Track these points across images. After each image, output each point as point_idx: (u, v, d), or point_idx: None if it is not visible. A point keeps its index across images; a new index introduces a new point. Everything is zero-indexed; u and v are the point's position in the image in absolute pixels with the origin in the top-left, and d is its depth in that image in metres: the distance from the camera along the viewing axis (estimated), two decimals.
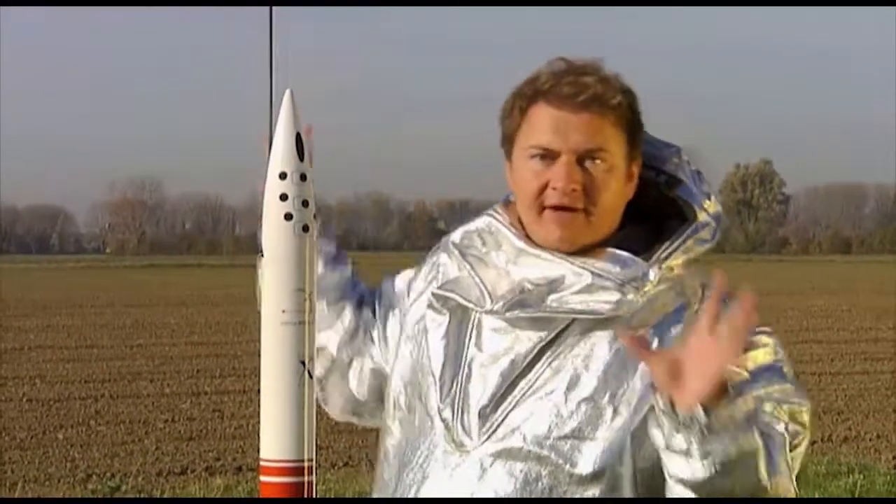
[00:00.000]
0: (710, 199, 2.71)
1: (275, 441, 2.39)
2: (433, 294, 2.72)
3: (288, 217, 2.35)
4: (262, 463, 2.42)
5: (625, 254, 2.59)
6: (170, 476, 11.96)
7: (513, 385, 2.59)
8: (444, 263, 2.74)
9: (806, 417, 2.59)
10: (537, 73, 2.64)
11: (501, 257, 2.66)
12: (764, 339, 2.58)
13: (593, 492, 2.52)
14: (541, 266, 2.61)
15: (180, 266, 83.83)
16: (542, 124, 2.60)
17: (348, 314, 2.89)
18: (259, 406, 2.43)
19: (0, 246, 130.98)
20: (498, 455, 2.56)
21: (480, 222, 2.72)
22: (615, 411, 2.53)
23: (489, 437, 2.57)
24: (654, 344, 2.52)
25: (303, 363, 2.38)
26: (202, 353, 23.53)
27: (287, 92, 2.38)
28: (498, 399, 2.59)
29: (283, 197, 2.35)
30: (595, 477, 2.52)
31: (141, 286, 53.29)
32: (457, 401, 2.62)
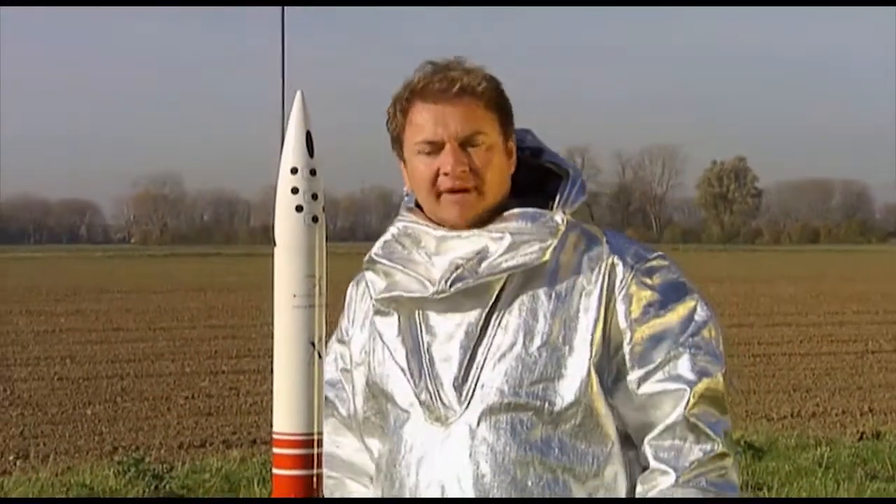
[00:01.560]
0: (565, 159, 2.83)
1: (286, 415, 2.39)
2: (377, 301, 2.74)
3: (299, 209, 2.35)
4: (274, 436, 2.42)
5: (532, 210, 2.68)
6: (190, 448, 11.97)
7: (474, 353, 2.65)
8: (372, 280, 2.76)
9: (702, 311, 2.70)
10: (410, 78, 2.70)
11: (423, 253, 2.71)
12: (660, 260, 2.72)
13: (573, 422, 2.61)
14: (463, 245, 2.67)
15: (199, 255, 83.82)
16: (423, 120, 2.67)
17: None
18: (272, 384, 2.43)
19: (33, 237, 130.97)
20: (482, 415, 2.62)
21: (393, 230, 2.76)
22: (571, 348, 2.63)
23: (469, 403, 2.63)
24: (586, 274, 2.66)
25: (312, 344, 2.38)
26: (219, 335, 23.54)
27: (298, 93, 2.38)
28: (465, 368, 2.64)
29: (294, 190, 2.35)
30: (571, 408, 2.61)
31: (163, 274, 53.32)
32: (429, 383, 2.66)
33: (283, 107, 2.40)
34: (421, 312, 2.70)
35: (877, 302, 33.21)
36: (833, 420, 13.80)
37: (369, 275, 2.77)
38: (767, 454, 11.01)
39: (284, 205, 2.36)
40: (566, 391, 2.61)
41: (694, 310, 2.67)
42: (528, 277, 2.65)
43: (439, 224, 2.70)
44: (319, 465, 2.41)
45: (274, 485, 2.43)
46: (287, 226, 2.36)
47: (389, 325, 2.74)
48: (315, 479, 2.41)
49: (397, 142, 2.74)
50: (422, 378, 2.67)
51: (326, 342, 2.45)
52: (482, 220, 2.67)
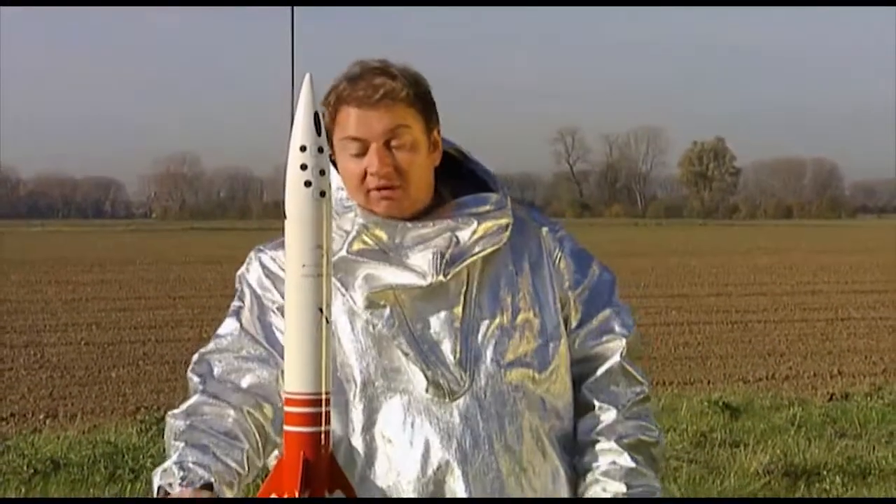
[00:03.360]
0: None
1: (296, 376, 2.39)
2: (372, 294, 2.65)
3: (307, 184, 2.35)
4: (285, 395, 2.42)
5: (483, 194, 2.73)
6: None
7: (463, 332, 2.65)
8: (358, 273, 2.67)
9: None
10: (337, 81, 2.68)
11: (393, 243, 2.66)
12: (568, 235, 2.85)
13: (554, 382, 2.70)
14: (429, 232, 2.67)
15: (215, 229, 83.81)
16: (349, 123, 2.65)
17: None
18: (283, 349, 2.43)
19: (61, 212, 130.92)
20: (485, 386, 2.64)
21: (357, 227, 2.67)
22: (541, 316, 2.71)
23: (472, 377, 2.64)
24: (532, 245, 2.75)
25: (320, 310, 2.38)
26: None
27: (307, 75, 2.37)
28: (462, 346, 2.65)
29: (304, 167, 2.35)
30: (553, 372, 2.70)
31: (182, 247, 53.31)
32: (433, 364, 2.64)
33: (292, 89, 2.39)
34: (402, 302, 2.65)
35: (846, 273, 33.22)
36: (805, 382, 13.82)
37: (342, 276, 2.67)
38: (744, 414, 11.03)
39: (294, 180, 2.35)
40: (551, 353, 2.69)
41: (603, 271, 2.81)
42: (491, 254, 2.69)
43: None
44: (328, 423, 2.41)
45: (285, 440, 2.43)
46: (297, 200, 2.36)
47: (380, 317, 2.66)
48: (323, 435, 2.41)
49: (328, 139, 2.67)
50: (427, 360, 2.64)
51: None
52: (419, 212, 2.69)
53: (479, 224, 2.67)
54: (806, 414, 10.96)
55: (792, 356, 16.04)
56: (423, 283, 2.63)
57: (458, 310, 2.65)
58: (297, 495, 2.35)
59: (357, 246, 2.68)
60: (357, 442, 2.67)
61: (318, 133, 2.35)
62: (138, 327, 19.35)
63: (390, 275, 2.66)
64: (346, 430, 2.67)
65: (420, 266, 2.64)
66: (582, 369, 2.76)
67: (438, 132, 2.73)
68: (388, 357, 2.66)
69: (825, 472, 8.40)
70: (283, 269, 2.58)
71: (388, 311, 2.67)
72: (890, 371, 14.67)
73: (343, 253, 2.67)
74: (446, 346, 2.65)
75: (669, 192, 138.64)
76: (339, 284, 2.66)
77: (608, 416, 2.72)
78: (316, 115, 2.35)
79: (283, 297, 2.52)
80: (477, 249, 2.66)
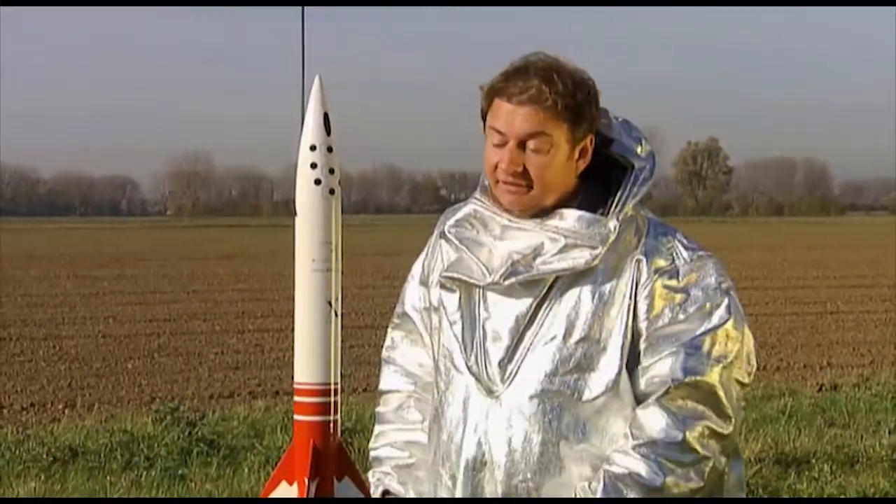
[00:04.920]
0: (641, 143, 2.75)
1: (306, 368, 2.39)
2: (442, 276, 2.73)
3: (317, 182, 2.35)
4: (295, 386, 2.42)
5: (588, 214, 2.63)
6: (220, 399, 11.97)
7: (521, 338, 2.63)
8: (447, 251, 2.74)
9: (734, 331, 2.64)
10: (501, 72, 2.66)
11: (489, 236, 2.69)
12: (699, 261, 2.70)
13: (596, 407, 2.59)
14: (523, 237, 2.65)
15: (227, 226, 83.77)
16: (498, 113, 2.64)
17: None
18: (293, 341, 2.43)
19: (79, 210, 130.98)
20: (519, 396, 2.61)
21: (468, 209, 2.74)
22: (604, 348, 2.60)
23: (510, 383, 2.62)
24: (625, 277, 2.61)
25: (329, 303, 2.38)
26: (246, 297, 23.54)
27: (316, 77, 2.37)
28: (511, 351, 2.63)
29: (314, 165, 2.35)
30: (597, 398, 2.60)
31: (195, 243, 53.30)
32: (479, 357, 2.65)
33: (302, 91, 2.39)
34: (481, 291, 2.67)
35: (834, 268, 33.19)
36: (795, 373, 13.80)
37: (444, 246, 2.75)
38: None
39: (304, 178, 2.35)
40: (595, 384, 2.60)
41: (714, 313, 2.61)
42: (576, 276, 2.62)
43: (504, 209, 2.68)
44: (336, 412, 2.41)
45: (295, 430, 2.43)
46: (307, 197, 2.36)
47: (451, 300, 2.71)
48: (332, 424, 2.41)
49: (483, 118, 2.71)
50: (473, 350, 2.66)
51: (345, 306, 2.45)
52: (540, 212, 2.65)
53: (565, 243, 2.61)
54: (796, 404, 10.94)
55: (783, 348, 16.02)
56: (483, 282, 2.64)
57: (526, 318, 2.63)
58: (306, 482, 2.36)
59: (458, 226, 2.72)
60: (436, 403, 2.74)
61: (328, 133, 2.35)
62: (153, 320, 19.35)
63: (465, 264, 2.68)
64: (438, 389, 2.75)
65: (493, 264, 2.65)
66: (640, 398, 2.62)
67: (591, 141, 2.68)
68: (447, 339, 2.71)
69: (814, 460, 8.38)
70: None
71: (457, 295, 2.70)
72: (877, 362, 14.66)
73: (445, 228, 2.73)
74: (499, 346, 2.64)
75: (665, 190, 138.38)
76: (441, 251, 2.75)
77: (625, 444, 2.58)
78: (325, 115, 2.35)
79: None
80: (554, 268, 2.60)
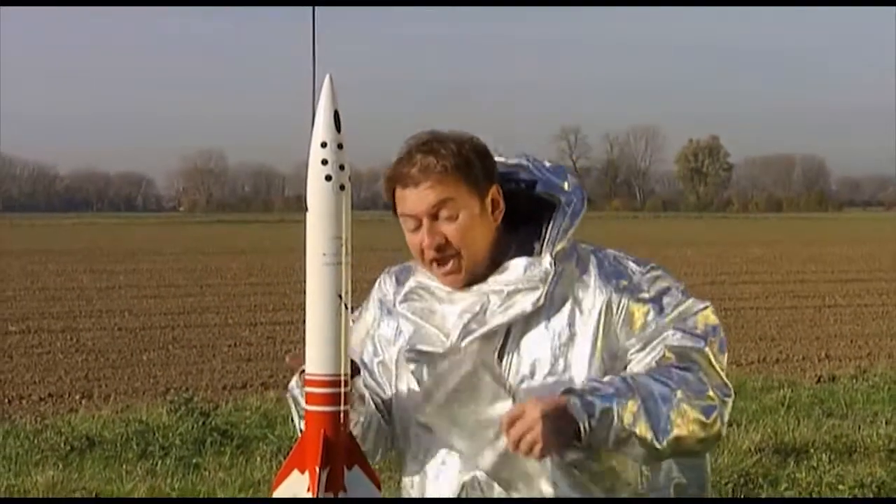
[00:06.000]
0: (567, 178, 2.75)
1: (317, 359, 2.39)
2: (406, 354, 2.71)
3: (328, 178, 2.35)
4: (306, 377, 2.42)
5: (523, 260, 2.65)
6: (233, 390, 11.99)
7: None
8: (403, 325, 2.74)
9: (713, 316, 2.68)
10: (392, 164, 2.67)
11: (438, 302, 2.70)
12: (654, 272, 2.69)
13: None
14: (468, 296, 2.66)
15: (240, 222, 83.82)
16: (402, 200, 2.66)
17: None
18: (304, 333, 2.43)
19: (95, 205, 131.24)
20: None
21: (412, 283, 2.75)
22: (570, 378, 2.61)
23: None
24: (583, 305, 2.64)
25: (339, 296, 2.38)
26: (258, 291, 23.57)
27: (327, 76, 2.37)
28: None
29: (324, 162, 2.35)
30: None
31: (209, 238, 53.35)
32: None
33: (313, 88, 2.39)
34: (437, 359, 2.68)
35: (832, 263, 33.15)
36: (794, 365, 13.79)
37: (402, 322, 2.75)
38: (737, 395, 10.86)
39: (315, 174, 2.35)
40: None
41: (690, 308, 2.66)
42: (528, 319, 2.64)
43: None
44: (346, 402, 2.41)
45: (306, 419, 2.43)
46: (317, 193, 2.36)
47: (419, 370, 2.70)
48: (342, 414, 2.41)
49: (394, 212, 2.72)
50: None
51: (355, 300, 2.45)
52: (480, 275, 2.67)
53: (507, 293, 2.63)
54: (795, 395, 10.94)
55: (782, 341, 16.02)
56: (437, 349, 2.66)
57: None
58: (317, 471, 2.36)
59: (407, 303, 2.73)
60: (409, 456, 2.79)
61: (338, 130, 2.35)
62: (168, 313, 19.38)
63: (423, 336, 2.69)
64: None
65: (447, 328, 2.66)
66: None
67: (498, 190, 2.68)
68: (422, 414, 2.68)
69: (813, 450, 8.39)
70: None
71: (423, 364, 2.68)
72: (874, 354, 14.65)
73: (396, 302, 2.75)
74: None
75: (667, 187, 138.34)
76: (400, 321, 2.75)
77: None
78: (336, 112, 2.35)
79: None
80: (503, 320, 2.62)
